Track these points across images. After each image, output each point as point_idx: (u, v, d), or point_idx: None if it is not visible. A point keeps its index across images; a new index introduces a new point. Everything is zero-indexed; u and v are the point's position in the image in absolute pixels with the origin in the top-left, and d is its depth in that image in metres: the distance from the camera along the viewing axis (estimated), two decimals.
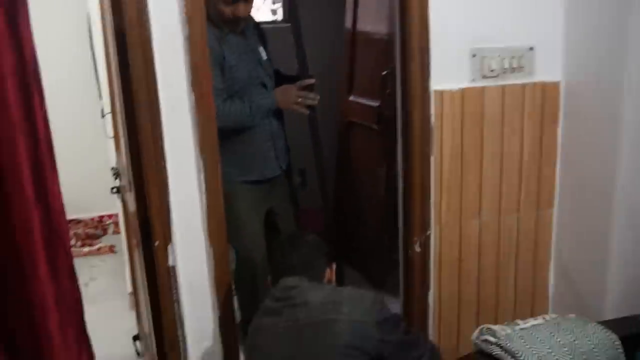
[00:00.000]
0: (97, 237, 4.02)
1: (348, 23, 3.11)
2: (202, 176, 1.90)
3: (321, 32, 3.28)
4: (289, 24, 2.92)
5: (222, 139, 1.96)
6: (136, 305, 2.65)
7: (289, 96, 2.40)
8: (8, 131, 1.64)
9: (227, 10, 2.30)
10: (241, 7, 2.31)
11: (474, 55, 2.09)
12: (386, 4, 2.75)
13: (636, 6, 1.88)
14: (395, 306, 2.27)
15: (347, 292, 1.69)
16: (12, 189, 1.67)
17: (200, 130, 1.85)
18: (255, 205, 2.50)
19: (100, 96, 3.00)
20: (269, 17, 3.95)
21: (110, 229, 3.91)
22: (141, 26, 1.72)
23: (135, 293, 2.61)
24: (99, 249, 3.81)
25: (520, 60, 2.16)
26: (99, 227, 4.07)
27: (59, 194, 1.76)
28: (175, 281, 1.96)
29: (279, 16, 3.91)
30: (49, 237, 1.75)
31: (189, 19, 1.75)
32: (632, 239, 2.06)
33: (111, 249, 3.66)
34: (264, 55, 2.48)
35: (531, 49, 2.16)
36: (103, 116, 2.91)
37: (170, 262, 1.94)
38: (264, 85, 2.46)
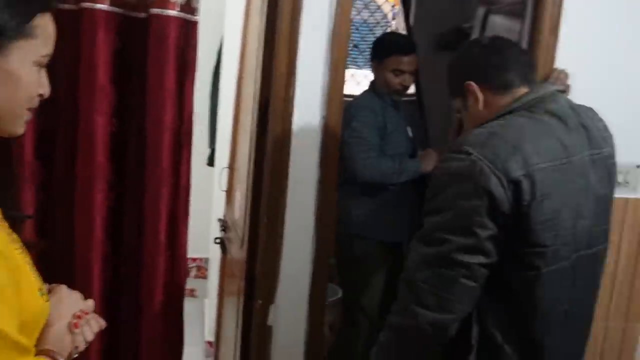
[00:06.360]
0: None
1: None
2: (314, 248, 2.01)
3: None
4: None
5: (369, 196, 2.33)
6: (215, 357, 2.74)
7: (432, 160, 2.52)
8: (156, 182, 1.80)
9: (396, 81, 2.56)
10: (407, 78, 2.58)
11: None
12: None
13: None
14: None
15: None
16: (149, 235, 1.83)
17: (320, 205, 1.97)
18: (383, 266, 2.61)
19: (210, 144, 3.17)
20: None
21: (193, 273, 4.01)
22: (286, 101, 1.87)
23: (217, 343, 2.70)
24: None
25: (626, 176, 2.22)
26: None
27: (185, 243, 1.91)
28: (270, 341, 2.05)
29: None
30: (170, 281, 1.89)
31: (329, 102, 1.89)
32: None
33: (192, 293, 3.70)
34: (410, 133, 2.67)
35: (638, 166, 2.23)
36: (211, 165, 3.08)
37: (269, 322, 2.03)
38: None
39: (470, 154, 1.27)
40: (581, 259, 1.36)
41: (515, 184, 1.24)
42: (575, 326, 1.45)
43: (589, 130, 1.40)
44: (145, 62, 1.76)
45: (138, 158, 1.80)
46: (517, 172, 1.25)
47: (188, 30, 1.80)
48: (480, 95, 1.41)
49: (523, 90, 1.40)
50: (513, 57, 1.43)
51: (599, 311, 2.28)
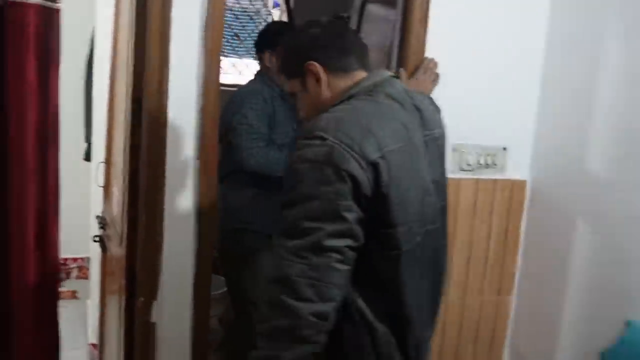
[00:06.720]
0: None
1: None
2: (195, 242, 1.98)
3: None
4: None
5: (256, 188, 2.40)
6: (99, 359, 2.64)
7: None
8: (21, 179, 1.71)
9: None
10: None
11: (454, 150, 2.28)
12: None
13: (596, 118, 2.12)
14: None
15: None
16: (15, 235, 1.73)
17: (200, 198, 1.94)
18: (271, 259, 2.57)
19: (86, 139, 3.03)
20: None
21: (74, 274, 3.83)
22: (160, 95, 1.82)
23: (101, 344, 2.60)
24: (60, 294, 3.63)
25: (494, 158, 2.36)
26: (62, 270, 3.94)
27: (56, 243, 1.82)
28: (154, 338, 2.00)
29: None
30: (42, 284, 1.80)
31: (205, 93, 1.86)
32: (583, 332, 2.24)
33: (73, 295, 3.57)
34: (296, 125, 2.65)
35: (504, 149, 2.37)
36: (88, 160, 2.95)
37: (153, 319, 1.98)
38: None
39: (325, 139, 1.25)
40: (428, 233, 1.42)
41: (373, 167, 1.26)
42: (430, 299, 1.52)
43: (422, 112, 1.47)
44: (4, 53, 1.65)
45: (0, 158, 1.69)
46: (373, 154, 1.26)
47: (50, 19, 1.70)
48: (324, 76, 1.41)
49: (361, 74, 1.43)
50: (352, 41, 1.46)
51: (475, 286, 2.44)
